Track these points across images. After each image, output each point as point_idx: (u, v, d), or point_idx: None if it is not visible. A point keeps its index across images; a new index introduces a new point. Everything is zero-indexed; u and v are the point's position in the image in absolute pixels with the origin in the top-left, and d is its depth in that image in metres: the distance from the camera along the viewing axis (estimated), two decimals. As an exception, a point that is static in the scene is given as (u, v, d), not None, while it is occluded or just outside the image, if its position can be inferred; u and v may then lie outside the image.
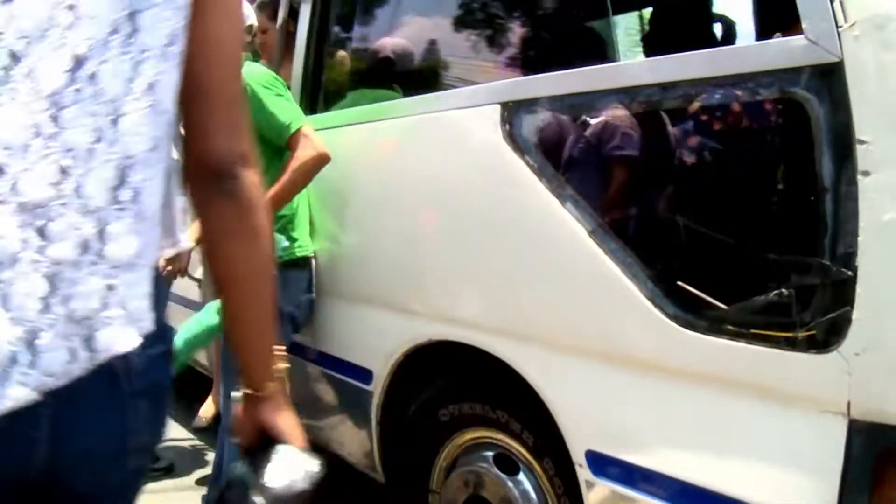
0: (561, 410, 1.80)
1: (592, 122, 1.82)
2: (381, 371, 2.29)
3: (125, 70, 0.78)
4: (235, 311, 1.00)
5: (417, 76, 2.52)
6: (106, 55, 0.77)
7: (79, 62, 0.75)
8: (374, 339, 2.36)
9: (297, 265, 2.54)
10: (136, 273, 0.81)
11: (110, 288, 0.78)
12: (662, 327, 1.57)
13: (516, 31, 2.41)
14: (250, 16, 2.72)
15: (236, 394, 1.04)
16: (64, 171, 0.75)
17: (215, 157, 0.92)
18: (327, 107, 2.65)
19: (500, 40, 2.37)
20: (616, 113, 1.75)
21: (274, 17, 2.77)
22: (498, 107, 1.92)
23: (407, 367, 2.26)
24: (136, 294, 0.82)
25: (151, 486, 2.82)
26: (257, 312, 1.00)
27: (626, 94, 1.68)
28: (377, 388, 2.31)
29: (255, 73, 2.40)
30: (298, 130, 2.34)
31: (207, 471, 3.29)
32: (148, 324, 0.83)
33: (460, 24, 2.47)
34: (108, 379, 0.79)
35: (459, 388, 2.15)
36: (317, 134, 2.36)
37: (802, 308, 1.37)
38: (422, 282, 2.19)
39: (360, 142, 2.40)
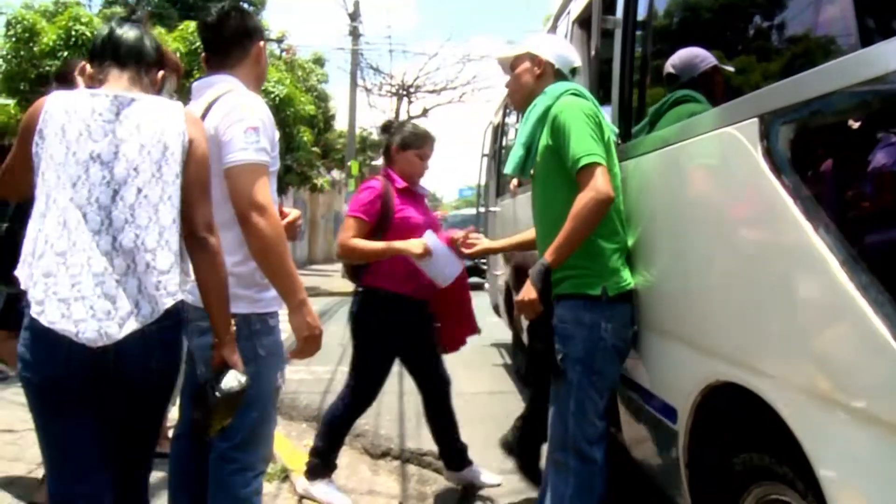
0: (822, 470, 1.51)
1: (859, 125, 1.50)
2: (684, 410, 2.17)
3: (158, 191, 1.89)
4: (210, 302, 1.99)
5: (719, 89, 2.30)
6: (150, 184, 1.87)
7: (139, 189, 1.87)
8: (676, 375, 2.24)
9: (623, 299, 2.44)
10: (170, 275, 1.87)
11: (160, 283, 1.85)
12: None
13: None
14: (576, 59, 2.75)
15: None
16: (137, 235, 1.84)
17: (194, 228, 1.95)
18: (637, 133, 2.60)
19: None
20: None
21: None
22: (756, 121, 1.71)
23: (712, 408, 2.10)
24: (171, 284, 1.87)
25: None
26: (220, 302, 2.00)
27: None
28: (682, 427, 2.19)
29: (573, 102, 2.45)
30: (586, 167, 2.29)
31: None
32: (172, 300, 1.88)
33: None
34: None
35: (749, 436, 1.92)
36: (603, 173, 2.30)
37: None
38: (704, 316, 2.03)
39: (649, 170, 2.32)
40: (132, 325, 1.79)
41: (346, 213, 3.46)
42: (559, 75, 2.65)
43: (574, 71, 2.72)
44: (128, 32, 2.04)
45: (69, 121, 1.85)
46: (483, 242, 3.33)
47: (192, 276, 1.99)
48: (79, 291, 1.76)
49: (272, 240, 2.06)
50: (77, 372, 1.79)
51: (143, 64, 2.02)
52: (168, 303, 1.85)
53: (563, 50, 2.73)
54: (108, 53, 2.00)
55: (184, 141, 1.92)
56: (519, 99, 2.73)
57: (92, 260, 1.79)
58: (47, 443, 1.88)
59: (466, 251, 3.28)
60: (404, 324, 3.47)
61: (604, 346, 2.39)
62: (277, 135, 2.23)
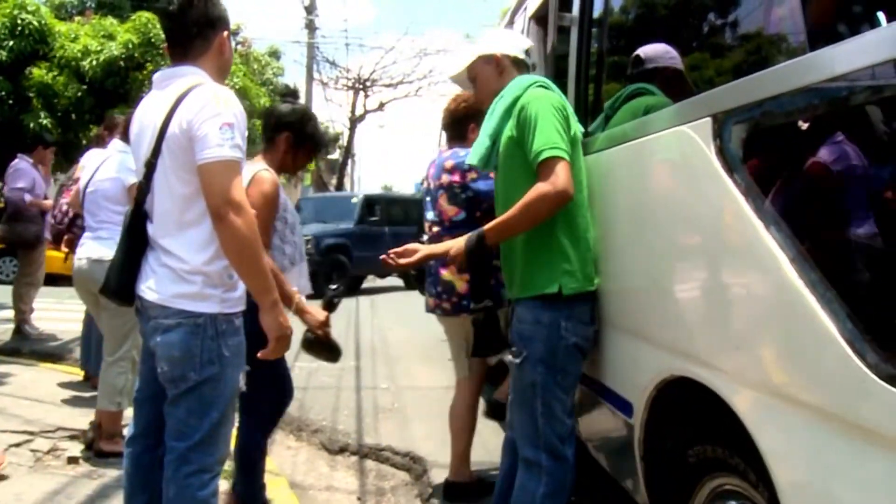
0: (772, 461, 1.55)
1: (807, 125, 1.54)
2: (639, 404, 2.20)
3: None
4: None
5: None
6: None
7: None
8: (631, 370, 2.28)
9: (582, 298, 2.39)
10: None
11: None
12: (858, 377, 1.27)
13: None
14: (523, 40, 2.68)
15: None
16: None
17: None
18: (594, 130, 2.61)
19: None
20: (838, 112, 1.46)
21: None
22: (709, 120, 1.74)
23: (667, 402, 2.14)
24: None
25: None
26: None
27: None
28: (637, 421, 2.22)
29: (542, 94, 2.36)
30: (547, 160, 2.23)
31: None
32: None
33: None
34: None
35: (702, 429, 1.97)
36: (565, 168, 2.23)
37: None
38: (659, 312, 2.07)
39: (604, 167, 2.35)
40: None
41: None
42: (519, 64, 2.57)
43: (528, 51, 2.63)
44: None
45: None
46: (422, 249, 2.69)
47: (156, 271, 2.20)
48: None
49: (247, 238, 2.03)
50: None
51: None
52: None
53: (509, 37, 2.65)
54: None
55: None
56: (489, 104, 2.57)
57: None
58: None
59: (403, 262, 2.69)
60: None
61: (565, 344, 2.35)
62: (247, 131, 2.21)
